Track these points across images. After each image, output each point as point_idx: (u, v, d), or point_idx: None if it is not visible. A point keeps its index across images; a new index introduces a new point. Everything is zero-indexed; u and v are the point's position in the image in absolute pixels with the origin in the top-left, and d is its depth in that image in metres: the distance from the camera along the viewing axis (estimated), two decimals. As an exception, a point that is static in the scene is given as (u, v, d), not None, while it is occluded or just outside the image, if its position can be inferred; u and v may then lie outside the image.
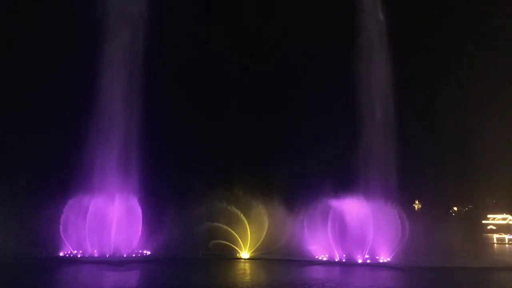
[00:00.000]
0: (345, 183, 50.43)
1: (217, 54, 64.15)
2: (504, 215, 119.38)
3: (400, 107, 53.92)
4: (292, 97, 65.22)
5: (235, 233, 53.15)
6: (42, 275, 37.50)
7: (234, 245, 53.16)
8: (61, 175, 50.77)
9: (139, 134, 52.43)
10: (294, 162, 61.34)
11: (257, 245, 53.12)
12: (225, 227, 53.09)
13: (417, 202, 56.38)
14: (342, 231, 49.35)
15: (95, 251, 49.06)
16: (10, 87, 57.07)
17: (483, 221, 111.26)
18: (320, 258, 50.10)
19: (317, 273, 41.70)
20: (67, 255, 48.90)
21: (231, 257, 51.79)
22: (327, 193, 49.88)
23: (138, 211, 50.79)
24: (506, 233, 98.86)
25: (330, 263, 48.11)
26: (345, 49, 55.72)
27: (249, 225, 53.43)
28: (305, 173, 57.15)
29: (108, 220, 49.57)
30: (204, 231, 52.12)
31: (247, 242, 53.13)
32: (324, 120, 57.96)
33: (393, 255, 48.97)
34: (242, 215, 53.67)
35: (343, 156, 54.01)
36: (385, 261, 48.29)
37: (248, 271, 42.46)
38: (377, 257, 48.81)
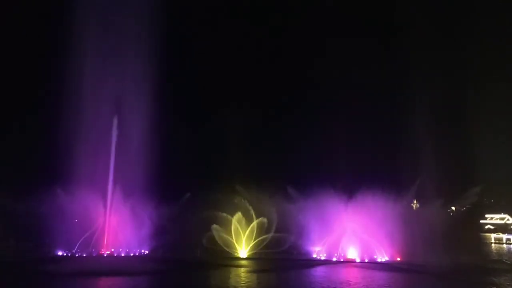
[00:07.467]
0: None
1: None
2: (502, 215, 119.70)
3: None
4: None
5: (239, 227, 51.73)
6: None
7: (233, 242, 51.93)
8: (58, 172, 50.41)
9: (141, 132, 52.15)
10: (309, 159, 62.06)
11: (263, 244, 51.72)
12: (227, 215, 51.84)
13: (415, 202, 56.26)
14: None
15: (93, 250, 48.97)
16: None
17: (481, 221, 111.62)
18: (318, 257, 50.06)
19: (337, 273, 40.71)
20: (64, 255, 48.82)
21: (227, 256, 50.81)
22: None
23: (137, 210, 50.81)
24: (504, 233, 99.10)
25: (329, 262, 47.68)
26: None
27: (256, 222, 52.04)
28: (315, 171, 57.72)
29: (106, 219, 49.60)
30: (205, 220, 50.87)
31: (251, 239, 51.93)
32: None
33: (390, 254, 49.03)
34: (251, 207, 52.47)
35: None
36: (383, 260, 48.28)
37: (249, 271, 41.54)
38: (374, 257, 48.81)
